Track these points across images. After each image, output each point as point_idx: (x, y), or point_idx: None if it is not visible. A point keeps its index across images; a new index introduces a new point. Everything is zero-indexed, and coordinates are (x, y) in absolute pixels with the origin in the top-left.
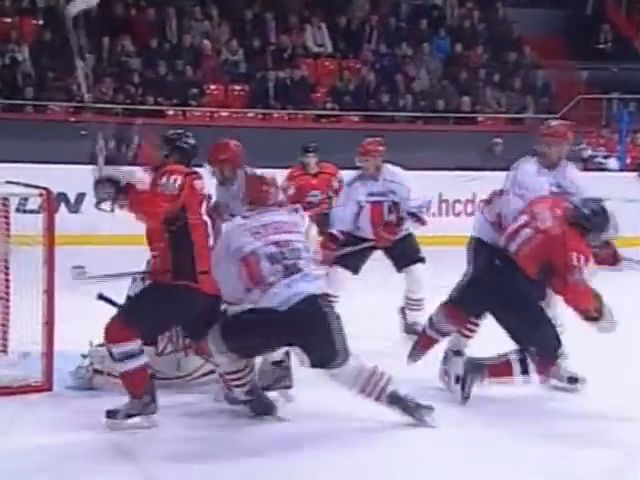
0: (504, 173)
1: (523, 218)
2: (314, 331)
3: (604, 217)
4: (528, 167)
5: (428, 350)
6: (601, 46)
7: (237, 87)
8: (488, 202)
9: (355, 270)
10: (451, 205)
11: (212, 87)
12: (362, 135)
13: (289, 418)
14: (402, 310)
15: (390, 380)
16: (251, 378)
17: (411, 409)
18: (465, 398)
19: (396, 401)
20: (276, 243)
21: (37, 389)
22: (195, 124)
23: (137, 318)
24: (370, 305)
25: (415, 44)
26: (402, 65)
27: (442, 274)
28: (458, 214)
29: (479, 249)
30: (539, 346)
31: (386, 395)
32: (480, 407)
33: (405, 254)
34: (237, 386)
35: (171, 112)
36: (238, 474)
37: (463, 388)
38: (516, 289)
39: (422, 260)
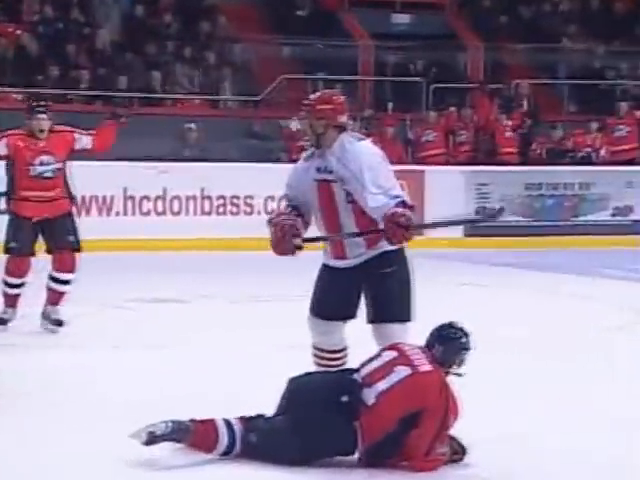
0: (200, 164)
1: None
2: None
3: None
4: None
5: None
6: (299, 13)
7: None
8: None
9: None
10: (138, 202)
11: None
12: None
13: None
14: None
15: None
16: None
17: None
18: None
19: None
20: None
21: None
22: None
23: None
24: None
25: (89, 7)
26: (75, 33)
27: (115, 286)
28: (147, 213)
29: None
30: None
31: None
32: None
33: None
34: None
35: None
36: None
37: None
38: None
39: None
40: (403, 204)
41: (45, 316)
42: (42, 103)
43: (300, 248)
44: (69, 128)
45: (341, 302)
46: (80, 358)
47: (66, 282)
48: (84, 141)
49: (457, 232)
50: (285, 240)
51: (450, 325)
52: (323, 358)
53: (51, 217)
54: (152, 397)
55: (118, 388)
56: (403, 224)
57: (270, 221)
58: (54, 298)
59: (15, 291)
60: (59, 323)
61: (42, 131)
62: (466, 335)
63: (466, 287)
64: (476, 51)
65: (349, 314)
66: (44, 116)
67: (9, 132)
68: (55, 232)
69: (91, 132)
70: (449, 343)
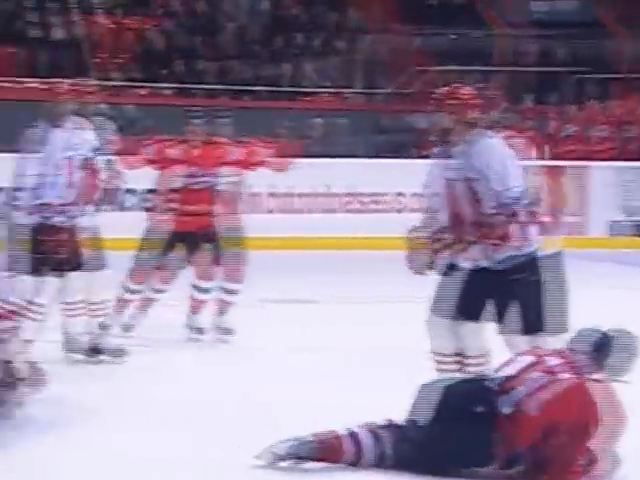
0: (327, 160)
1: None
2: None
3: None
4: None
5: None
6: (431, 2)
7: None
8: None
9: None
10: (264, 200)
11: None
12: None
13: None
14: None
15: None
16: None
17: None
18: None
19: None
20: None
21: None
22: None
23: None
24: None
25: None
26: (200, 26)
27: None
28: (271, 211)
29: None
30: None
31: None
32: None
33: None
34: None
35: None
36: None
37: None
38: None
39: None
40: (511, 208)
41: (188, 325)
42: (198, 109)
43: (431, 266)
44: (225, 140)
45: (464, 301)
46: (183, 359)
47: (205, 290)
48: (237, 154)
49: (603, 232)
50: (415, 259)
51: (595, 330)
52: (441, 362)
53: (192, 232)
54: (262, 399)
55: (232, 389)
56: (482, 222)
57: (407, 235)
58: (194, 306)
59: (129, 296)
60: (199, 331)
61: (195, 140)
62: (610, 340)
63: (615, 290)
64: (623, 40)
65: (471, 315)
66: (199, 122)
67: (163, 137)
68: (195, 245)
69: (245, 143)
70: (594, 349)
